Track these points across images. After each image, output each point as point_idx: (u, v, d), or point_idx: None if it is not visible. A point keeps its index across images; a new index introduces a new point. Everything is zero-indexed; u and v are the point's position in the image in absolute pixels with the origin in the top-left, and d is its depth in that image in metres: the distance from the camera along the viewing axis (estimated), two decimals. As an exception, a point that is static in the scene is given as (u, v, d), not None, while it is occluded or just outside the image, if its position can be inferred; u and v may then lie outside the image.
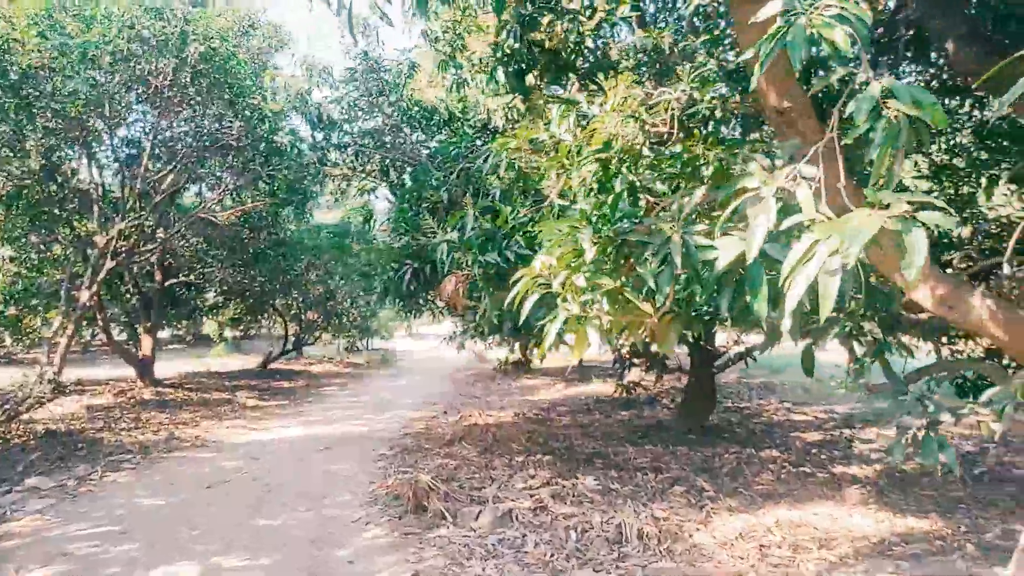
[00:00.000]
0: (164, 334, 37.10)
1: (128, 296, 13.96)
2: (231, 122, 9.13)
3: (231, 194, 10.83)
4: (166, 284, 13.84)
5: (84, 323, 12.92)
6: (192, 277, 14.62)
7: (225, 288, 11.97)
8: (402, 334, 41.03)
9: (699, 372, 8.88)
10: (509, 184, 6.22)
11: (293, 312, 18.79)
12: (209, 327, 24.77)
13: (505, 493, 6.43)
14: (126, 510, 6.06)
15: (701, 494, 6.46)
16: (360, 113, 7.69)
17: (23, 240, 11.92)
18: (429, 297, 8.02)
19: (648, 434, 9.10)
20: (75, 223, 11.71)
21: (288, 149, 9.52)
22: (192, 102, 9.06)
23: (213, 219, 10.52)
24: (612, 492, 6.46)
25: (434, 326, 71.02)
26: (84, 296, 9.52)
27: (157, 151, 10.18)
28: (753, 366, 12.31)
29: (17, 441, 8.52)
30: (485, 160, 6.28)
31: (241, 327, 22.62)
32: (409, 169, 7.64)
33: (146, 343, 13.68)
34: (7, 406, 8.51)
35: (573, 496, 6.30)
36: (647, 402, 13.01)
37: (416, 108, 8.07)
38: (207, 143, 9.64)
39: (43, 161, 9.01)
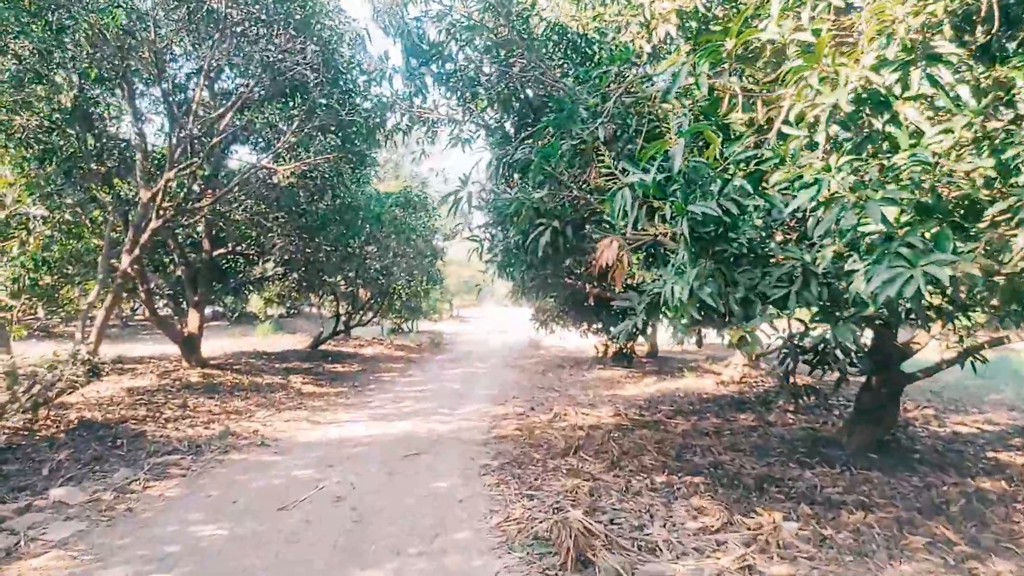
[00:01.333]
0: (207, 310, 36.40)
1: (173, 267, 12.54)
2: (302, 47, 7.49)
3: (293, 148, 9.25)
4: (215, 254, 12.38)
5: (125, 295, 11.52)
6: (244, 247, 13.14)
7: (286, 259, 10.52)
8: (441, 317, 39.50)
9: (882, 373, 7.03)
10: (702, 111, 4.45)
11: (347, 289, 17.30)
12: (254, 304, 23.50)
13: (681, 538, 4.73)
14: (178, 544, 4.51)
15: (951, 547, 4.68)
16: (477, 35, 5.97)
17: (57, 199, 10.53)
18: (566, 267, 6.34)
19: (811, 450, 7.30)
20: (115, 181, 10.29)
21: (368, 84, 7.89)
22: (254, 23, 7.43)
23: (270, 178, 8.96)
24: (826, 542, 4.71)
25: (476, 308, 69.83)
26: (124, 262, 8.05)
27: (210, 90, 8.60)
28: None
29: (45, 434, 7.09)
30: (665, 83, 4.51)
31: (288, 304, 21.29)
32: (546, 101, 5.92)
33: (192, 319, 12.27)
34: (35, 390, 7.08)
35: (778, 548, 4.56)
36: (762, 403, 11.20)
37: (550, 27, 6.35)
38: (271, 78, 8.04)
39: (76, 97, 7.49)
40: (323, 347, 19.30)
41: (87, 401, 9.21)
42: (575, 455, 6.99)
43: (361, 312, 19.62)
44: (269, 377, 12.86)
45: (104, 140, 9.57)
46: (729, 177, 3.81)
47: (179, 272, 12.49)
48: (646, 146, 3.91)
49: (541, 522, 4.80)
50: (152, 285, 13.75)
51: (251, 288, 16.01)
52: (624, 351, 13.40)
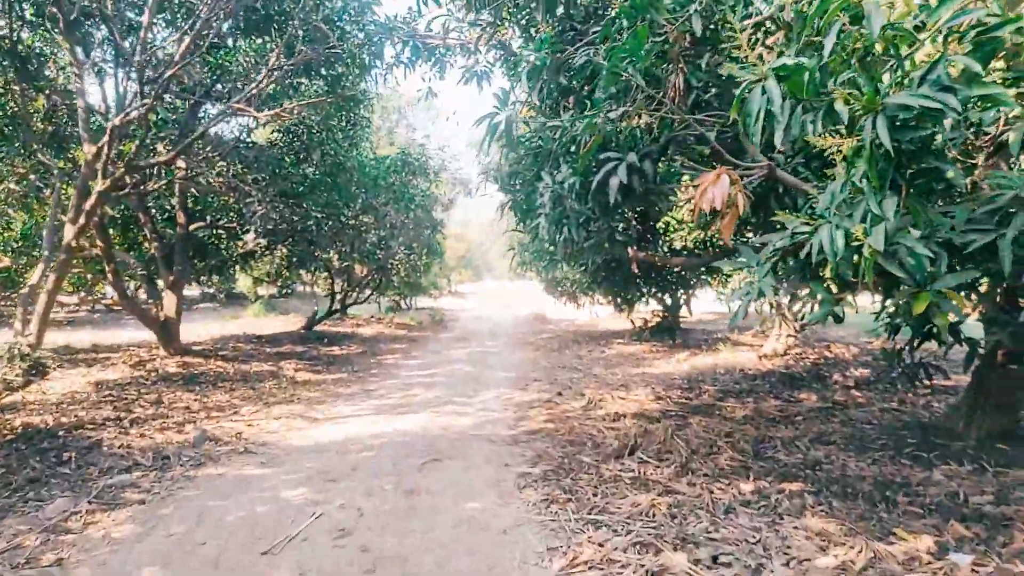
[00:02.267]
0: (193, 291, 34.79)
1: (146, 244, 11.08)
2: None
3: (273, 97, 7.76)
4: (191, 228, 10.91)
5: (90, 277, 10.10)
6: (225, 219, 11.68)
7: (269, 228, 9.12)
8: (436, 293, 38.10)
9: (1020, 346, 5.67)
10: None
11: (342, 265, 15.86)
12: (243, 283, 22.03)
13: (824, 586, 3.41)
14: (115, 622, 3.17)
15: None
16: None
17: (5, 170, 9.05)
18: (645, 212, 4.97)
19: (923, 442, 5.97)
20: (71, 149, 8.83)
21: (360, 10, 6.42)
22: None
23: (248, 135, 7.50)
24: (1019, 582, 3.40)
25: (476, 283, 68.33)
26: (68, 233, 6.61)
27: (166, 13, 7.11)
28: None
29: (-28, 448, 5.72)
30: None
31: (279, 283, 19.87)
32: None
33: (169, 301, 10.86)
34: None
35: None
36: (814, 378, 9.92)
37: None
38: (242, 7, 6.54)
39: (8, 38, 5.99)
40: (318, 328, 17.92)
41: (44, 401, 7.83)
42: (631, 456, 5.67)
43: (358, 290, 18.20)
44: (258, 364, 11.49)
45: (49, 95, 8.07)
46: (938, 54, 2.40)
47: (153, 249, 11.02)
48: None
49: (625, 568, 3.48)
50: (123, 265, 12.32)
51: (236, 266, 14.54)
52: (668, 323, 11.85)
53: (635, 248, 7.00)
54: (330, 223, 10.51)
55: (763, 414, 7.56)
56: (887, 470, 5.16)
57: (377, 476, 5.32)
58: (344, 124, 10.06)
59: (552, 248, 6.26)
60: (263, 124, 7.46)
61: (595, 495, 4.72)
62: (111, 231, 12.51)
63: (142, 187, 9.16)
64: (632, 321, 13.18)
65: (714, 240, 7.39)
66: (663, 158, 4.03)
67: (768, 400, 8.38)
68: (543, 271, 18.26)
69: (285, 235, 9.89)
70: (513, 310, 33.53)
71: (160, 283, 11.29)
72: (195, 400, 8.54)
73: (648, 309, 17.36)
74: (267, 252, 12.48)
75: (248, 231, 9.88)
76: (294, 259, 12.90)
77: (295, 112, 7.51)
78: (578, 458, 5.67)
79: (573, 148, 3.94)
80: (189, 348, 11.84)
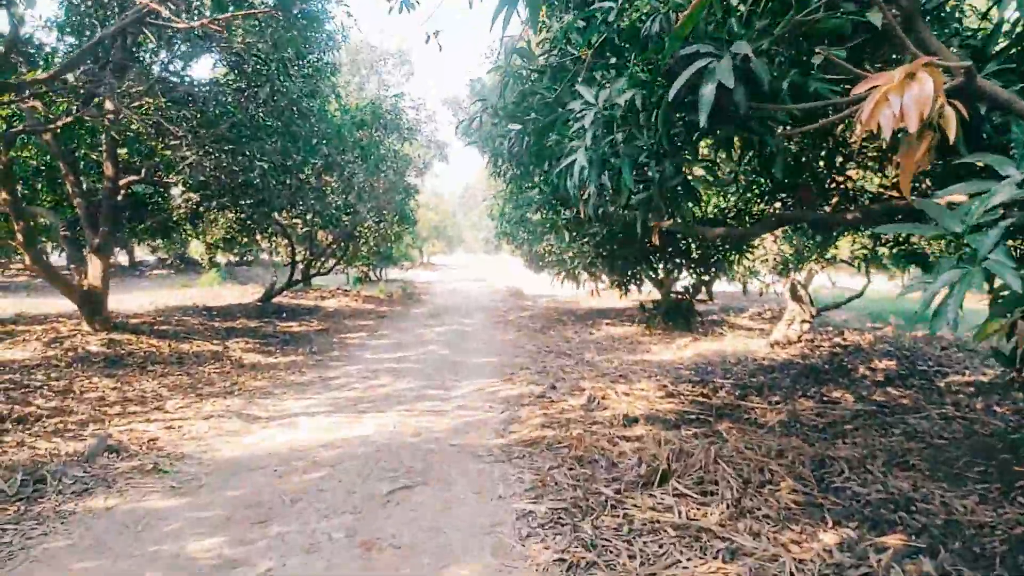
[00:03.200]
0: (147, 255, 32.66)
1: (69, 201, 9.36)
2: None
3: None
4: (122, 183, 9.22)
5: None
6: (164, 173, 9.99)
7: (202, 180, 7.48)
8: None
9: None
10: None
11: (303, 231, 14.22)
12: (195, 249, 20.21)
13: None
14: None
15: None
16: None
17: None
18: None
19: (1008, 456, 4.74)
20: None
21: None
22: None
23: (183, 69, 5.84)
24: None
25: (449, 255, 66.70)
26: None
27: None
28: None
29: None
30: None
31: (236, 250, 18.15)
32: None
33: (93, 268, 9.21)
34: None
35: None
36: (837, 371, 8.75)
37: None
38: None
39: None
40: (277, 300, 16.32)
41: (-90, 390, 6.25)
42: (663, 485, 4.33)
43: (322, 259, 16.59)
44: (200, 343, 9.92)
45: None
46: None
47: (76, 206, 9.30)
48: None
49: None
50: (38, 224, 10.58)
51: (180, 226, 12.83)
52: (685, 307, 10.22)
53: (661, 215, 5.61)
54: (284, 179, 8.91)
55: (800, 420, 6.30)
56: (1008, 515, 3.89)
57: (325, 514, 3.90)
58: (302, 61, 8.43)
59: (576, 206, 4.88)
60: (202, 53, 5.92)
61: (631, 557, 3.37)
62: (37, 184, 10.77)
63: (51, 124, 7.48)
64: (642, 304, 11.80)
65: (749, 207, 6.01)
66: (784, 56, 2.62)
67: (799, 399, 7.12)
68: (525, 243, 16.86)
69: (223, 190, 8.21)
70: (488, 284, 32.11)
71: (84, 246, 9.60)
72: (113, 389, 7.01)
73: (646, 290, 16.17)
74: (209, 211, 10.81)
75: (176, 184, 8.21)
76: (246, 222, 11.28)
77: (235, 30, 5.92)
78: (594, 487, 4.31)
79: (627, 46, 2.52)
80: (120, 322, 10.20)
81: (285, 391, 7.24)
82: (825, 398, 7.25)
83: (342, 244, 16.60)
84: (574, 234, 6.40)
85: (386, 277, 31.78)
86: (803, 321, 10.41)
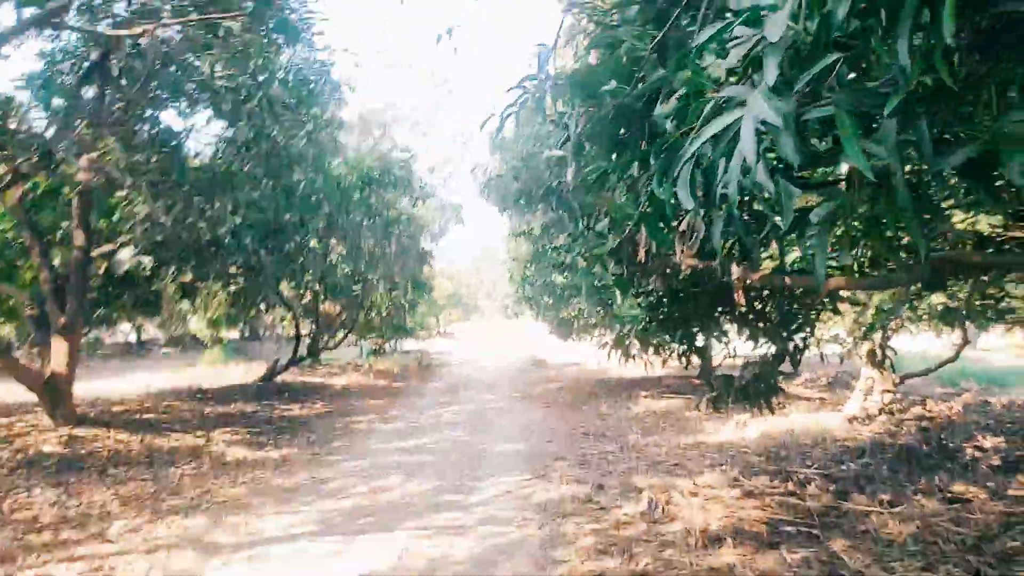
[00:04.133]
0: (159, 333, 31.60)
1: (35, 276, 8.20)
2: None
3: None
4: (93, 253, 8.05)
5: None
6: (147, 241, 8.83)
7: (156, 243, 6.16)
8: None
9: None
10: None
11: (305, 302, 13.00)
12: (196, 325, 19.07)
13: None
14: None
15: None
16: None
17: None
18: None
19: None
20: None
21: None
22: None
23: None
24: None
25: (465, 323, 65.55)
26: None
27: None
28: None
29: None
30: None
31: (240, 326, 16.96)
32: None
33: (57, 351, 7.97)
34: None
35: None
36: (939, 452, 7.19)
37: None
38: None
39: None
40: (282, 379, 14.97)
41: None
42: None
43: (329, 332, 15.32)
44: (179, 436, 8.53)
45: None
46: None
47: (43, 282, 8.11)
48: None
49: None
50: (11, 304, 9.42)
51: (171, 302, 11.65)
52: (770, 380, 8.18)
53: (743, 263, 4.24)
54: (276, 242, 7.72)
55: (936, 532, 4.74)
56: None
57: None
58: (299, 110, 7.34)
59: (623, 258, 3.57)
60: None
61: None
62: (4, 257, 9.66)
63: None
64: (709, 376, 10.21)
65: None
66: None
67: (914, 498, 5.55)
68: (550, 309, 15.54)
69: (186, 252, 6.93)
70: (508, 353, 30.64)
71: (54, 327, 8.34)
72: (53, 504, 5.62)
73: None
74: (198, 283, 9.58)
75: (126, 244, 6.94)
76: (237, 294, 10.09)
77: (205, 56, 4.85)
78: None
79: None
80: (86, 416, 8.86)
81: (264, 503, 5.78)
82: (948, 494, 5.67)
83: (352, 315, 15.34)
84: (630, 291, 5.05)
85: (401, 348, 30.41)
86: (884, 391, 8.85)
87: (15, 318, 9.78)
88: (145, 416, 9.87)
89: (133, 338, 28.84)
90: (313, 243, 10.02)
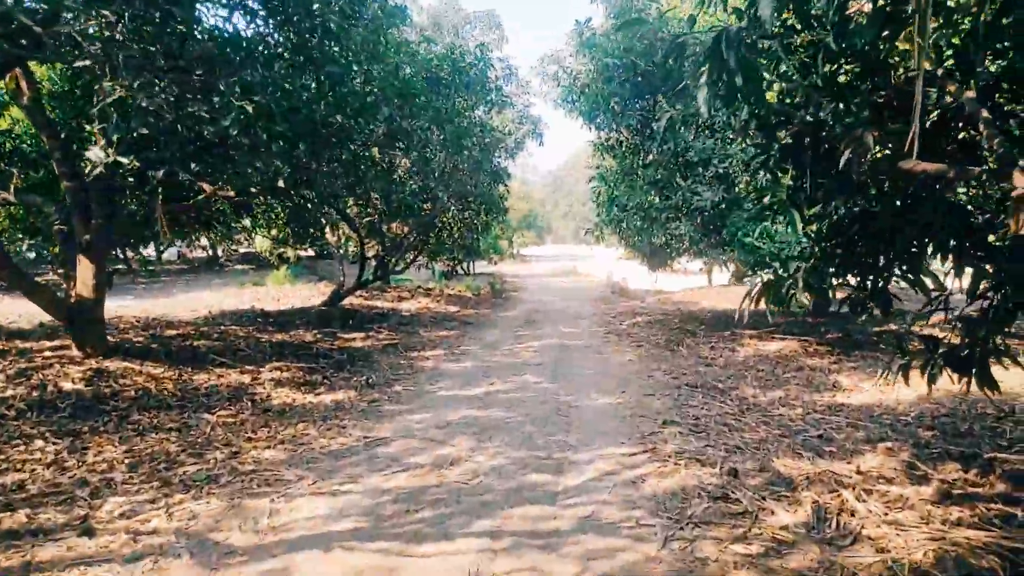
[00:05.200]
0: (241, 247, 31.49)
1: (64, 182, 7.07)
2: None
3: None
4: (120, 160, 6.81)
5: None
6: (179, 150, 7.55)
7: (140, 136, 4.78)
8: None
9: None
10: None
11: (366, 220, 11.69)
12: (260, 244, 18.28)
13: None
14: None
15: None
16: None
17: None
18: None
19: None
20: None
21: None
22: None
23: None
24: None
25: (539, 247, 64.26)
26: None
27: None
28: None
29: None
30: None
31: (308, 244, 15.98)
32: None
33: (83, 272, 6.95)
34: None
35: None
36: None
37: None
38: None
39: None
40: (348, 302, 13.98)
41: None
42: None
43: (398, 254, 14.10)
44: (225, 370, 7.50)
45: None
46: None
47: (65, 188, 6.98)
48: None
49: None
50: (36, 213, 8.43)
51: (222, 220, 10.56)
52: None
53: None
54: (326, 148, 6.31)
55: None
56: None
57: None
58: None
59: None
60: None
61: None
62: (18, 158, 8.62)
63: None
64: (847, 329, 8.20)
65: None
66: None
67: None
68: (638, 233, 13.76)
69: (182, 152, 5.40)
70: (586, 279, 29.09)
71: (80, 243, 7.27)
72: (50, 465, 4.58)
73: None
74: (242, 210, 8.38)
75: (96, 143, 5.51)
76: (295, 214, 8.86)
77: None
78: None
79: None
80: (121, 344, 7.92)
81: (301, 476, 4.56)
82: None
83: (421, 237, 14.03)
84: (806, 212, 3.38)
85: (474, 271, 29.33)
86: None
87: (40, 235, 8.85)
88: (197, 343, 8.94)
89: (206, 254, 28.77)
90: (375, 153, 8.56)
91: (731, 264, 11.02)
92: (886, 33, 3.04)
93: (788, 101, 3.30)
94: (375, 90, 6.72)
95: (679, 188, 10.18)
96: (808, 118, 3.19)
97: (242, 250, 29.46)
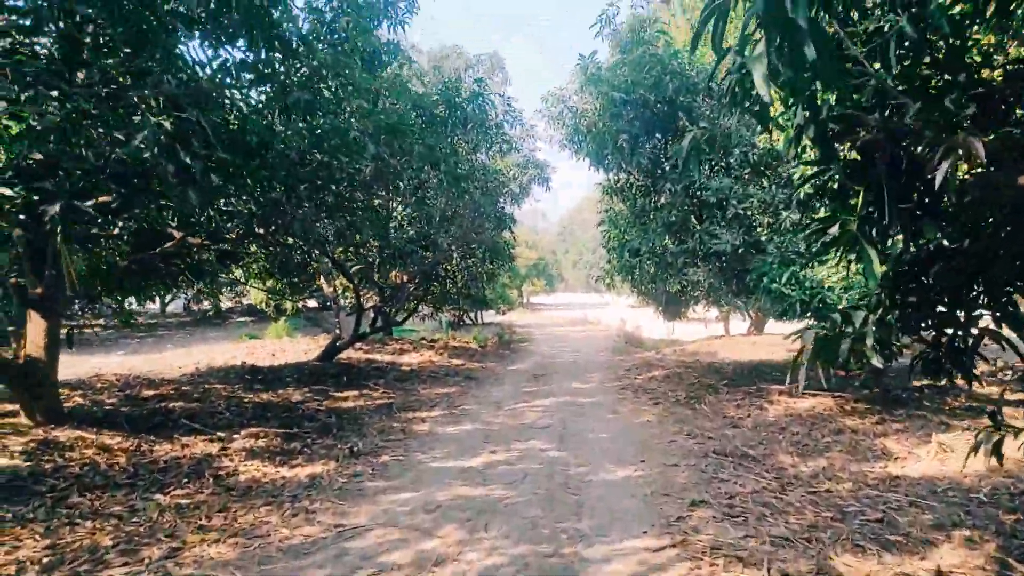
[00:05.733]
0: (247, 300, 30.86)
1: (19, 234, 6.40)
2: None
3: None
4: (87, 203, 6.14)
5: None
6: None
7: (34, 162, 4.03)
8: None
9: None
10: None
11: (357, 268, 10.96)
12: (255, 296, 17.60)
13: None
14: None
15: None
16: None
17: None
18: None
19: None
20: None
21: None
22: None
23: None
24: None
25: (552, 296, 63.42)
26: None
27: None
28: None
29: None
30: None
31: (304, 296, 15.28)
32: None
33: (34, 331, 6.21)
34: None
35: None
36: None
37: None
38: None
39: None
40: (347, 356, 13.19)
41: None
42: None
43: (397, 303, 13.35)
44: (191, 438, 6.67)
45: None
46: None
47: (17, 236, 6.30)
48: None
49: None
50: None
51: (214, 271, 9.88)
52: None
53: None
54: (300, 182, 5.58)
55: None
56: None
57: None
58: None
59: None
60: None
61: None
62: None
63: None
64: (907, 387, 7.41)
65: None
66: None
67: None
68: (651, 280, 12.98)
69: (87, 177, 4.52)
70: (597, 329, 28.20)
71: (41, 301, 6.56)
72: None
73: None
74: (237, 247, 7.69)
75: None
76: (275, 260, 8.18)
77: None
78: None
79: None
80: (77, 410, 7.13)
81: (250, 581, 3.69)
82: None
83: (421, 285, 13.30)
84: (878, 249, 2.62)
85: (482, 321, 28.52)
86: None
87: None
88: (173, 405, 8.15)
89: (207, 305, 28.16)
90: (364, 196, 7.88)
91: (754, 312, 10.18)
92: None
93: (852, 102, 2.54)
94: (356, 124, 6.06)
95: (695, 231, 9.42)
96: (881, 124, 2.43)
97: (247, 302, 28.88)
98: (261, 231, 6.23)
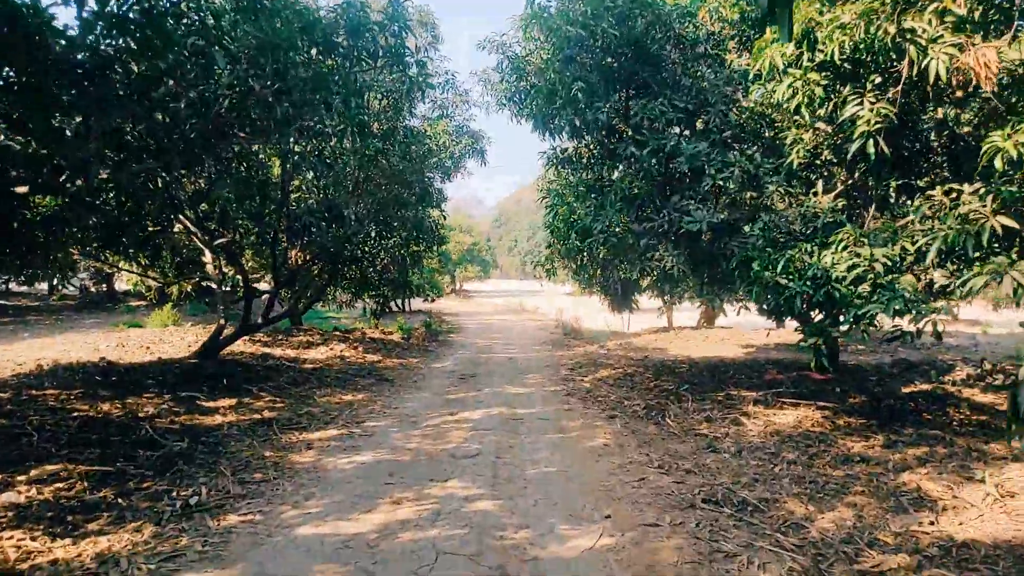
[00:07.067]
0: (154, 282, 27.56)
1: None
2: None
3: None
4: None
5: None
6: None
7: None
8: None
9: None
10: None
11: (218, 242, 8.69)
12: (129, 277, 14.97)
13: None
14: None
15: None
16: None
17: None
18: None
19: None
20: None
21: None
22: None
23: None
24: None
25: (486, 283, 61.50)
26: None
27: None
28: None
29: None
30: None
31: (178, 279, 12.77)
32: None
33: None
34: None
35: None
36: None
37: None
38: None
39: None
40: (240, 349, 10.91)
41: None
42: None
43: (296, 288, 11.12)
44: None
45: None
46: None
47: None
48: None
49: None
50: None
51: (51, 243, 7.43)
52: None
53: None
54: (105, 107, 3.51)
55: None
56: None
57: None
58: None
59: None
60: None
61: None
62: None
63: None
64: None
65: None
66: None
67: None
68: (600, 268, 11.24)
69: None
70: (536, 319, 26.42)
71: None
72: None
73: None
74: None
75: None
76: (106, 233, 5.92)
77: None
78: None
79: None
80: None
81: None
82: None
83: (328, 267, 11.11)
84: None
85: (410, 308, 26.31)
86: None
87: None
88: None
89: (103, 288, 24.97)
90: (233, 147, 5.71)
91: (735, 304, 8.48)
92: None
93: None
94: (198, 26, 3.93)
95: (663, 207, 7.64)
96: None
97: (123, 287, 25.77)
98: (52, 182, 4.03)
